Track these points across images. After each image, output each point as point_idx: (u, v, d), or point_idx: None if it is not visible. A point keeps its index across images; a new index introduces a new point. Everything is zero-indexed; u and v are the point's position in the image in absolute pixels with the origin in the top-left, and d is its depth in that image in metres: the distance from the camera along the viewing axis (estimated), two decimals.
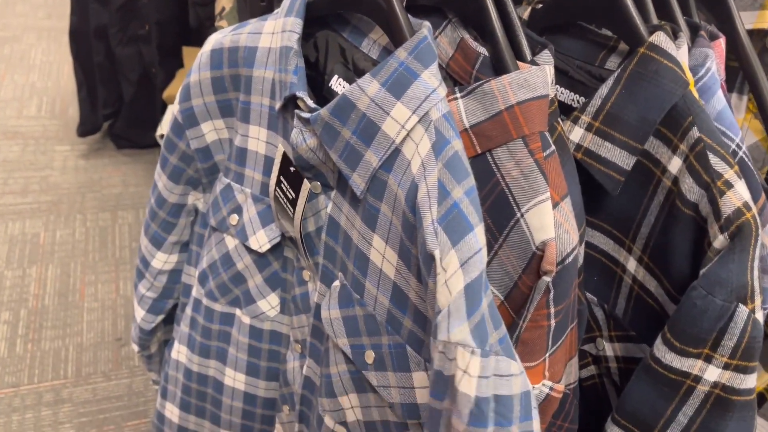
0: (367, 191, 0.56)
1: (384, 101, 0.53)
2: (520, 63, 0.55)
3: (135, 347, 0.91)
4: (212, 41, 0.68)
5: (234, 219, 0.71)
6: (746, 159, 0.57)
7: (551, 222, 0.49)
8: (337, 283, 0.62)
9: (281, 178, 0.64)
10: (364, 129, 0.54)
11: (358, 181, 0.56)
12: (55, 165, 2.19)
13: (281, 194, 0.64)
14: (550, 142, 0.52)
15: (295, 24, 0.60)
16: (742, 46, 0.62)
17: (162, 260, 0.83)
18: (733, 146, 0.58)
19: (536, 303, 0.50)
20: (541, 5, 0.66)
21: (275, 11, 0.66)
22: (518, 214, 0.52)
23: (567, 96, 0.64)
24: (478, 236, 0.47)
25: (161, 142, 1.86)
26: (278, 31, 0.62)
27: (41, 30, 2.99)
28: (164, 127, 1.75)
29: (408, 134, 0.52)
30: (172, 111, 0.73)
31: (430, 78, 0.52)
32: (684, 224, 0.54)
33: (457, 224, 0.46)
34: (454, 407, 0.46)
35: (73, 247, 1.88)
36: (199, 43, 1.93)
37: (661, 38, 0.55)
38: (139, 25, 1.98)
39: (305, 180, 0.60)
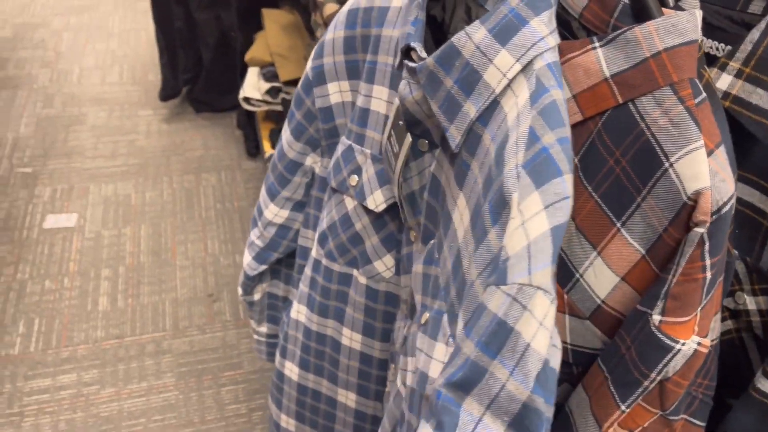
0: (463, 145, 0.54)
1: (489, 48, 0.51)
2: (664, 9, 0.54)
3: (239, 290, 0.95)
4: (350, 1, 0.69)
5: (354, 180, 0.71)
6: None
7: (706, 170, 0.48)
8: (433, 241, 0.62)
9: (391, 132, 0.63)
10: (466, 78, 0.52)
11: (454, 134, 0.54)
12: (140, 129, 2.27)
13: (389, 148, 0.64)
14: (701, 88, 0.51)
15: None
16: None
17: (273, 212, 0.85)
18: None
19: (688, 256, 0.49)
20: None
21: None
22: (666, 164, 0.51)
23: (705, 44, 0.62)
24: (567, 183, 0.44)
25: (244, 105, 1.89)
26: None
27: None
28: (247, 90, 1.79)
29: (509, 84, 0.51)
30: (305, 68, 0.74)
31: (540, 26, 0.50)
32: None
33: (544, 168, 0.44)
34: (516, 368, 0.41)
35: (162, 208, 1.96)
36: (280, 5, 1.95)
37: None
38: None
39: (408, 134, 0.59)
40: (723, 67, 0.56)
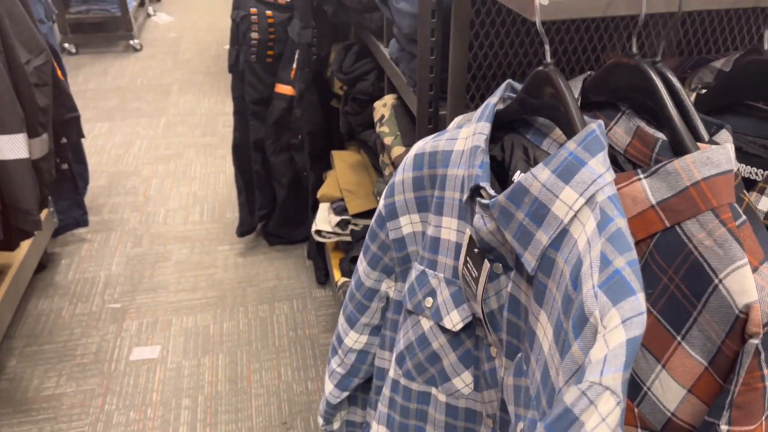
0: (538, 268, 0.61)
1: (554, 186, 0.59)
2: (699, 144, 0.61)
3: (320, 420, 0.99)
4: (416, 147, 0.79)
5: (429, 302, 0.78)
6: None
7: (753, 285, 0.53)
8: (520, 354, 0.67)
9: (467, 258, 0.71)
10: (535, 211, 0.60)
11: (529, 259, 0.61)
12: (218, 263, 2.43)
13: (467, 273, 0.71)
14: (740, 212, 0.57)
15: (485, 127, 0.70)
16: None
17: (353, 339, 0.92)
18: None
19: (747, 366, 0.53)
20: (705, 90, 0.72)
21: (468, 119, 0.77)
22: (716, 280, 0.56)
23: (744, 169, 0.68)
24: (640, 301, 0.50)
25: (316, 237, 2.01)
26: (470, 135, 0.73)
27: (198, 146, 3.40)
28: (319, 224, 1.92)
29: (575, 215, 0.58)
30: (377, 206, 0.85)
31: (597, 165, 0.58)
32: None
33: (618, 288, 0.50)
34: None
35: (239, 337, 2.06)
36: (346, 146, 2.13)
37: None
38: (292, 135, 2.22)
39: (486, 260, 0.67)
40: (762, 191, 0.62)
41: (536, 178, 0.61)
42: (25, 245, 2.10)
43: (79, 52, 4.88)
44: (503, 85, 0.71)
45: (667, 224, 0.60)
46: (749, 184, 0.66)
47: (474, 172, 0.69)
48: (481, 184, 0.67)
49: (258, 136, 2.29)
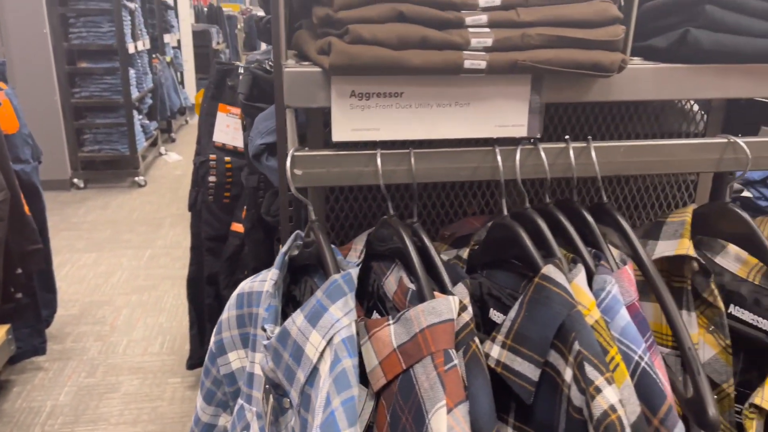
0: (300, 405, 0.68)
1: (305, 329, 0.68)
2: (437, 294, 0.69)
3: None
4: (239, 287, 0.88)
5: None
6: (648, 368, 0.64)
7: (444, 426, 0.58)
8: None
9: (263, 393, 0.77)
10: (295, 352, 0.68)
11: (294, 396, 0.68)
12: (166, 396, 2.44)
13: (263, 409, 0.77)
14: (453, 357, 0.63)
15: (275, 274, 0.79)
16: (645, 269, 0.72)
17: None
18: (636, 357, 0.65)
19: None
20: (477, 247, 0.81)
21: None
22: (427, 420, 0.61)
23: (500, 318, 0.75)
24: None
25: None
26: (270, 279, 0.81)
27: (175, 278, 3.51)
28: None
29: (321, 355, 0.66)
30: (209, 342, 0.92)
31: (336, 311, 0.67)
32: (580, 428, 0.60)
33: (329, 429, 0.58)
34: None
35: None
36: None
37: (550, 269, 0.67)
38: (241, 271, 2.33)
39: (270, 396, 0.74)
40: (493, 339, 0.69)
41: (294, 322, 0.69)
42: None
43: (87, 186, 5.19)
44: (292, 236, 0.81)
45: (404, 367, 0.66)
46: None
47: (263, 314, 0.77)
48: (265, 326, 0.74)
49: (212, 271, 2.40)
